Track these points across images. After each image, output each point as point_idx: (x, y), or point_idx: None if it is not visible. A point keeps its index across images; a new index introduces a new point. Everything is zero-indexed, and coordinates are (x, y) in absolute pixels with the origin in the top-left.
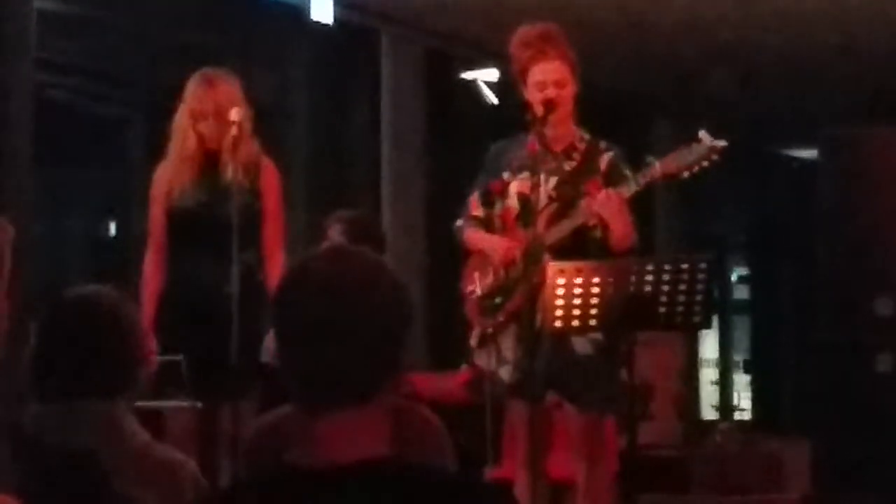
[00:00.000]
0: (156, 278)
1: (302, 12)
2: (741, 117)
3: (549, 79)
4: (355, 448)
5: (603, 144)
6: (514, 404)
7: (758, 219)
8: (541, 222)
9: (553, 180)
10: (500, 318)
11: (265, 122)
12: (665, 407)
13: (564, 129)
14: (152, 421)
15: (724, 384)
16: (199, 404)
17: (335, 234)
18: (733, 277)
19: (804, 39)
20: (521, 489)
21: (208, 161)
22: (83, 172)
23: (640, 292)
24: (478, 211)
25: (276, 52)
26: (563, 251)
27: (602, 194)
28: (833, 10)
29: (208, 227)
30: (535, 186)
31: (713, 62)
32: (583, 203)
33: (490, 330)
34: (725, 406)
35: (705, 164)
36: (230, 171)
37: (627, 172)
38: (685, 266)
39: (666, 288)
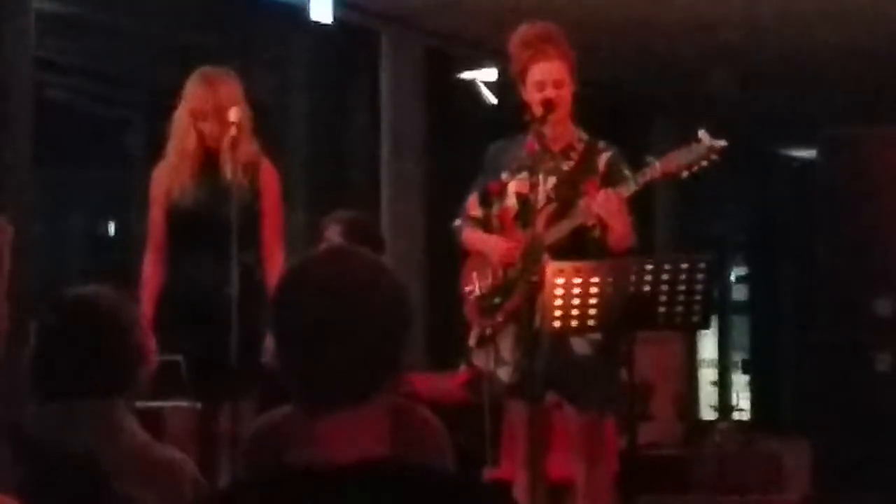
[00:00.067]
0: (155, 278)
1: (302, 12)
2: (741, 117)
3: (548, 79)
4: (355, 448)
5: (601, 144)
6: (513, 405)
7: (758, 219)
8: (540, 222)
9: (552, 180)
10: (499, 319)
11: (265, 122)
12: (665, 407)
13: (563, 129)
14: (152, 421)
15: (724, 384)
16: (199, 404)
17: (333, 234)
18: (733, 277)
19: (804, 39)
20: (520, 489)
21: (208, 161)
22: (83, 172)
23: (639, 292)
24: (476, 211)
25: (276, 52)
26: (562, 251)
27: (601, 194)
28: (833, 10)
29: (208, 227)
30: (534, 186)
31: (713, 62)
32: (582, 203)
33: (489, 330)
34: (725, 406)
35: (705, 163)
36: (229, 171)
37: (626, 172)
38: (684, 266)
39: (665, 288)
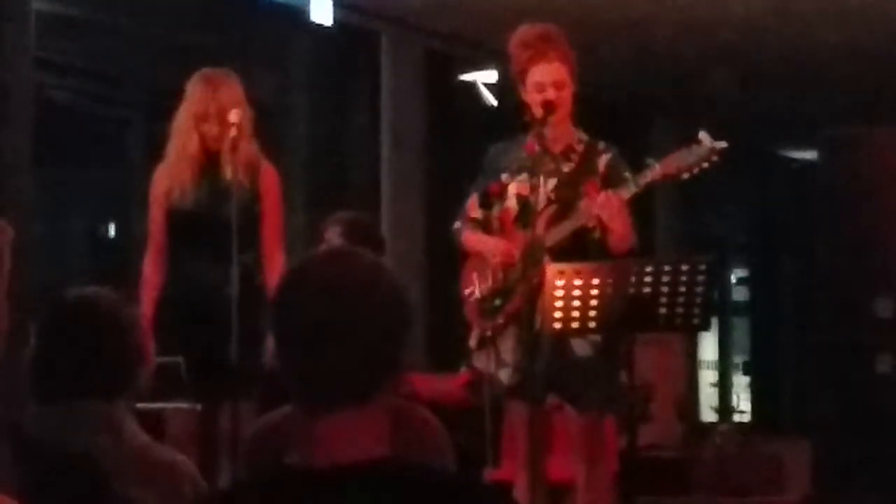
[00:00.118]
0: (155, 279)
1: (302, 13)
2: (741, 117)
3: (548, 80)
4: (355, 448)
5: (601, 145)
6: (513, 406)
7: (758, 219)
8: (540, 224)
9: (552, 182)
10: (500, 320)
11: (265, 122)
12: (665, 408)
13: (563, 130)
14: (152, 422)
15: (724, 385)
16: (199, 405)
17: (333, 235)
18: (733, 278)
19: (804, 39)
20: (520, 490)
21: (209, 162)
22: (83, 172)
23: (639, 293)
24: (476, 213)
25: (276, 52)
26: (563, 253)
27: (602, 196)
28: (833, 10)
29: (208, 228)
30: (535, 188)
31: (713, 62)
32: (582, 204)
33: (489, 332)
34: (725, 407)
35: (705, 165)
36: (229, 172)
37: (627, 174)
38: (685, 267)
39: (665, 289)
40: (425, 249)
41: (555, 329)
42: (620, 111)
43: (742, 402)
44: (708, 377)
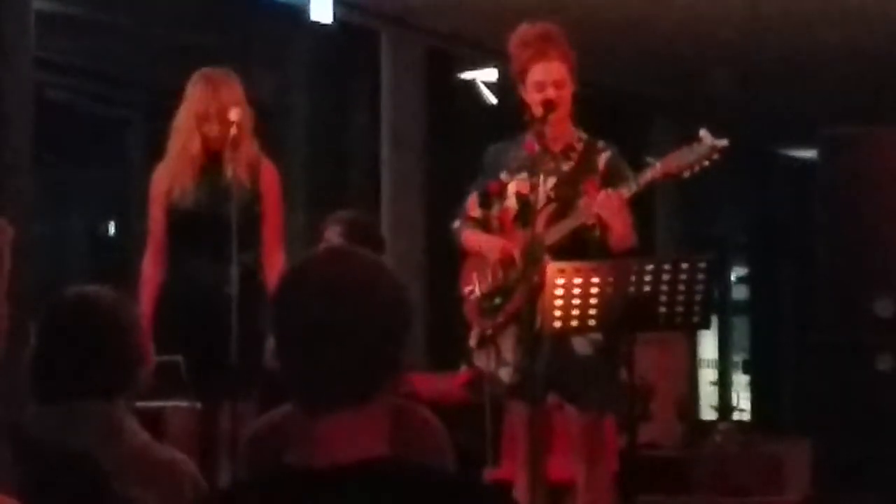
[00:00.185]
0: (155, 278)
1: (302, 12)
2: (741, 117)
3: (548, 79)
4: (355, 448)
5: (600, 144)
6: (513, 405)
7: (758, 219)
8: (540, 223)
9: (551, 180)
10: (500, 320)
11: (265, 122)
12: (665, 407)
13: (562, 129)
14: (152, 421)
15: (724, 384)
16: (199, 405)
17: (333, 235)
18: (733, 278)
19: (804, 39)
20: (520, 490)
21: (209, 162)
22: (83, 172)
23: (639, 292)
24: (475, 212)
25: (276, 52)
26: (563, 251)
27: (602, 194)
28: (833, 10)
29: (208, 228)
30: (534, 187)
31: (713, 62)
32: (582, 203)
33: (489, 331)
34: (725, 406)
35: (706, 163)
36: (230, 171)
37: (627, 172)
38: (685, 266)
39: (665, 288)
40: (425, 249)
41: (555, 328)
42: (620, 111)
43: (742, 401)
44: (708, 376)
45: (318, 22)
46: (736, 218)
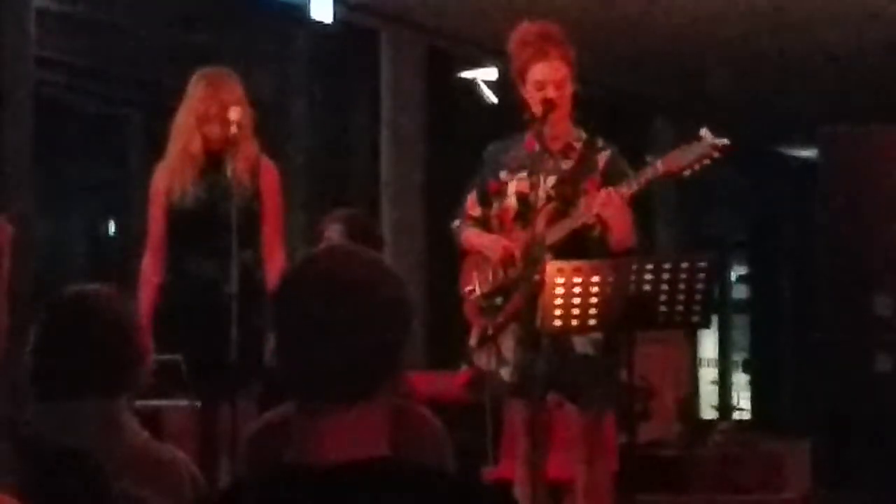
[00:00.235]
0: (155, 278)
1: (302, 12)
2: (741, 117)
3: (548, 79)
4: (355, 448)
5: (600, 143)
6: (513, 404)
7: (758, 219)
8: (540, 222)
9: (551, 179)
10: (500, 319)
11: (265, 122)
12: (665, 406)
13: (562, 129)
14: (151, 420)
15: (724, 384)
16: (199, 404)
17: (334, 233)
18: (733, 277)
19: (804, 39)
20: (520, 489)
21: (210, 161)
22: (83, 171)
23: (639, 292)
24: (475, 211)
25: (276, 52)
26: (563, 251)
27: (602, 194)
28: (833, 10)
29: (208, 227)
30: (534, 186)
31: (713, 62)
32: (582, 202)
33: (490, 330)
34: (725, 406)
35: (707, 161)
36: (230, 171)
37: (627, 170)
38: (685, 265)
39: (665, 287)
40: (425, 249)
41: (555, 327)
42: (620, 111)
43: (742, 400)
44: (708, 375)
45: (318, 22)
46: (736, 218)
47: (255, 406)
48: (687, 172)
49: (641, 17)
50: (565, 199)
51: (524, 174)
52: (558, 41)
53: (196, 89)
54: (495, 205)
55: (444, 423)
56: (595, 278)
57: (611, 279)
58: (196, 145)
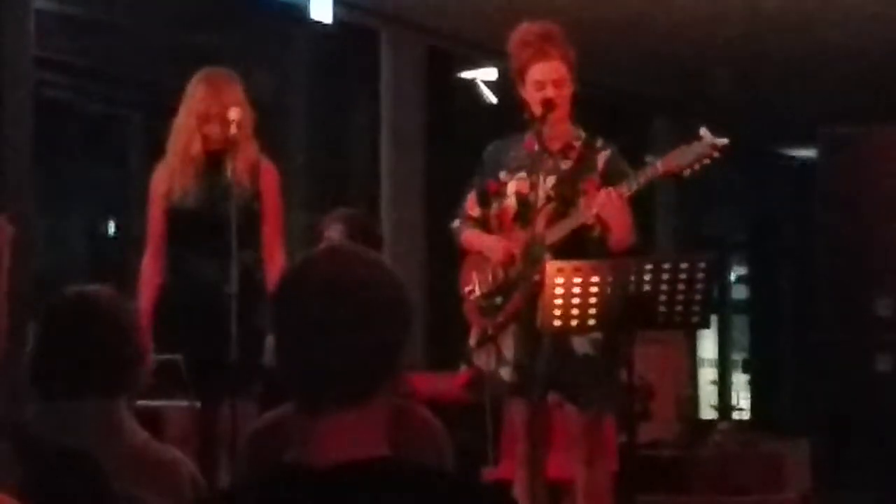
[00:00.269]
0: (155, 278)
1: (302, 12)
2: (741, 117)
3: (548, 79)
4: (355, 448)
5: (599, 143)
6: (513, 404)
7: (758, 219)
8: (539, 222)
9: (551, 179)
10: (500, 319)
11: (265, 122)
12: (665, 407)
13: (562, 129)
14: (151, 420)
15: (724, 384)
16: (199, 404)
17: (335, 233)
18: (732, 276)
19: (804, 39)
20: (520, 489)
21: (209, 162)
22: (83, 171)
23: (639, 292)
24: (474, 211)
25: (276, 52)
26: (562, 250)
27: (602, 194)
28: (833, 10)
29: (208, 227)
30: (534, 186)
31: (713, 62)
32: (582, 202)
33: (490, 330)
34: (725, 406)
35: (707, 161)
36: (230, 171)
37: (627, 171)
38: (684, 265)
39: (665, 287)
40: (425, 249)
41: (554, 327)
42: (620, 111)
43: (742, 401)
44: (707, 375)
45: (318, 22)
46: (736, 218)
47: (255, 406)
48: (687, 172)
49: (641, 17)
50: (565, 199)
51: (524, 174)
52: (558, 41)
53: (196, 90)
54: (495, 205)
55: (444, 423)
56: (595, 278)
57: (610, 279)
58: (196, 146)
